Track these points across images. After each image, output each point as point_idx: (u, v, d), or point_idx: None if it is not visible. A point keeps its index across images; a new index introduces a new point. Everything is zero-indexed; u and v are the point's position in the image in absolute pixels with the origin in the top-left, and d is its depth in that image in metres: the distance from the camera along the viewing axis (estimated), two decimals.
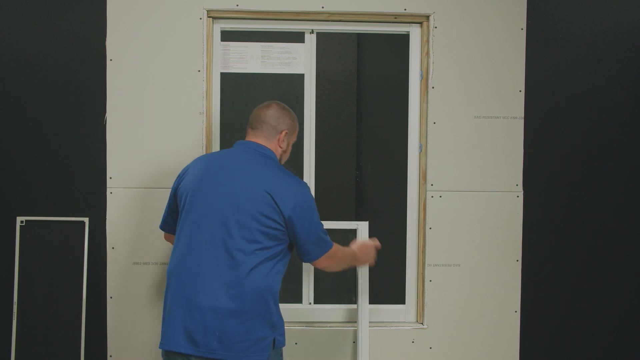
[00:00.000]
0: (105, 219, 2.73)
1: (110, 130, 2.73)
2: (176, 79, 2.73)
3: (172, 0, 2.72)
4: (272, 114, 2.27)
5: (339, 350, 2.79)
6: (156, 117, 2.73)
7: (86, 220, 2.75)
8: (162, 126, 2.73)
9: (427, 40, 2.81)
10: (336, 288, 2.91)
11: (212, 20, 2.78)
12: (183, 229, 2.16)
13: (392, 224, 2.90)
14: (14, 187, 2.76)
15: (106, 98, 2.73)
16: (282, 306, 2.80)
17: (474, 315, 2.83)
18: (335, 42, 2.84)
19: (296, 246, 2.19)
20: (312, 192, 2.61)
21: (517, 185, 2.84)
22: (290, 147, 2.33)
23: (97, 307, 2.76)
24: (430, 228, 2.81)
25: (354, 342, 2.79)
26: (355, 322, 2.83)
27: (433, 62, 2.79)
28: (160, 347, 2.12)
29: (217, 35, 2.81)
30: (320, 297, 2.88)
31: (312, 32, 2.85)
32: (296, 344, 2.75)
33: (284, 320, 2.74)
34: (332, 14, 2.78)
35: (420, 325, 2.84)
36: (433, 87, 2.80)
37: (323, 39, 2.86)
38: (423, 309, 2.83)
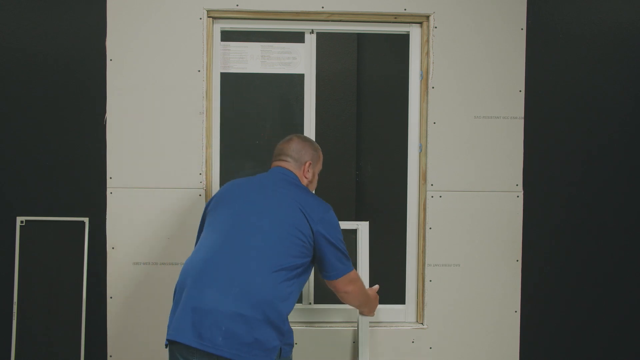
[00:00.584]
0: (105, 219, 2.73)
1: (110, 130, 2.73)
2: (176, 79, 2.73)
3: (172, 0, 2.72)
4: (294, 147, 2.38)
5: (339, 350, 2.79)
6: (156, 117, 2.73)
7: (86, 220, 2.75)
8: (162, 126, 2.73)
9: (427, 40, 2.81)
10: None
11: (212, 20, 2.78)
12: (208, 234, 2.21)
13: (392, 224, 2.90)
14: (14, 187, 2.76)
15: (106, 98, 2.73)
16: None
17: (474, 315, 2.83)
18: (335, 42, 2.85)
19: (321, 261, 2.25)
20: None
21: (517, 185, 2.84)
22: (316, 177, 2.45)
23: (97, 307, 2.76)
24: (430, 228, 2.81)
25: (354, 342, 2.79)
26: (355, 322, 2.83)
27: (433, 62, 2.79)
28: (167, 338, 2.11)
29: (217, 35, 2.81)
30: (320, 297, 2.88)
31: (312, 32, 2.85)
32: (296, 343, 2.75)
33: None
34: (332, 14, 2.78)
35: (420, 325, 2.84)
36: (433, 87, 2.80)
37: (323, 39, 2.85)
38: (423, 309, 2.83)
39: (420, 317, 2.86)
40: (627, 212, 2.94)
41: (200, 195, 2.73)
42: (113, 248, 2.73)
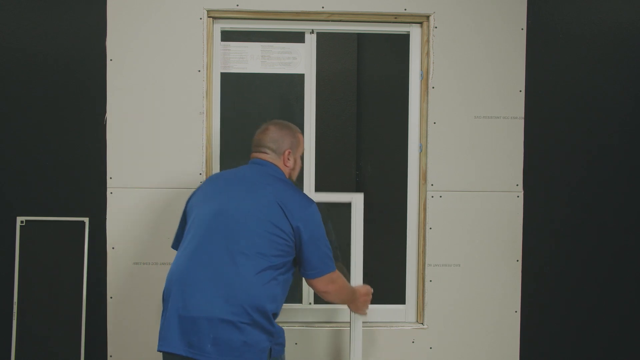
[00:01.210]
0: (105, 219, 2.73)
1: (110, 130, 2.73)
2: (176, 79, 2.73)
3: (172, 0, 2.72)
4: (271, 137, 2.31)
5: (339, 350, 2.79)
6: (156, 117, 2.73)
7: (86, 220, 2.75)
8: (162, 126, 2.73)
9: (427, 40, 2.81)
10: None
11: (212, 20, 2.78)
12: (189, 237, 2.18)
13: (392, 224, 2.90)
14: (14, 187, 2.76)
15: (106, 98, 2.72)
16: (282, 306, 2.81)
17: (474, 315, 2.83)
18: (335, 42, 2.85)
19: (301, 259, 2.20)
20: (313, 195, 2.61)
21: (517, 185, 2.84)
22: (299, 162, 2.38)
23: (97, 307, 2.76)
24: (430, 228, 2.81)
25: None
26: None
27: (433, 62, 2.79)
28: (158, 350, 2.11)
29: (217, 35, 2.81)
30: (320, 297, 2.87)
31: (312, 32, 2.85)
32: (296, 344, 2.75)
33: (285, 320, 2.75)
34: (332, 14, 2.78)
35: (420, 325, 2.84)
36: (433, 87, 2.80)
37: (323, 39, 2.86)
38: (423, 309, 2.83)
39: (420, 317, 2.86)
40: (627, 212, 2.94)
41: None
42: (113, 248, 2.73)
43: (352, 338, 2.54)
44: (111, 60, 2.72)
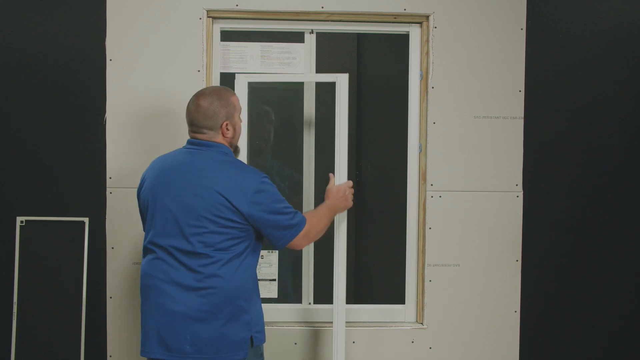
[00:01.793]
0: (105, 219, 2.73)
1: (110, 130, 2.73)
2: (176, 79, 2.73)
3: (172, 0, 2.72)
4: (205, 113, 2.16)
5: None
6: (156, 117, 2.73)
7: (86, 220, 2.75)
8: (162, 126, 2.73)
9: (427, 40, 2.80)
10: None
11: (212, 20, 2.78)
12: (149, 236, 2.16)
13: (392, 224, 2.90)
14: (14, 187, 2.76)
15: (106, 98, 2.73)
16: (282, 306, 2.82)
17: (474, 315, 2.83)
18: (335, 42, 2.85)
19: (266, 236, 2.17)
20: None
21: (517, 185, 2.84)
22: (238, 125, 2.24)
23: (97, 307, 2.76)
24: (430, 228, 2.81)
25: (353, 342, 2.79)
26: (355, 322, 2.83)
27: (433, 62, 2.79)
28: (140, 355, 2.14)
29: (217, 35, 2.81)
30: (320, 297, 2.88)
31: (312, 32, 2.85)
32: (296, 344, 2.75)
33: (285, 320, 2.75)
34: (332, 14, 2.78)
35: (420, 325, 2.84)
36: (433, 87, 2.80)
37: (323, 39, 2.85)
38: (423, 309, 2.83)
39: (420, 317, 2.86)
40: (627, 212, 2.94)
41: None
42: (113, 248, 2.73)
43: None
44: (111, 60, 2.72)
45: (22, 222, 2.74)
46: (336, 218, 2.47)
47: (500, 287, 2.84)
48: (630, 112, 2.93)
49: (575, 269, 2.93)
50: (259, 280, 2.32)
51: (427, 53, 2.80)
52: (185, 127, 2.72)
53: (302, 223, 2.19)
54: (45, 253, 2.75)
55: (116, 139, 2.72)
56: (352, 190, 2.47)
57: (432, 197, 2.81)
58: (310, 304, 2.89)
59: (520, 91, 2.82)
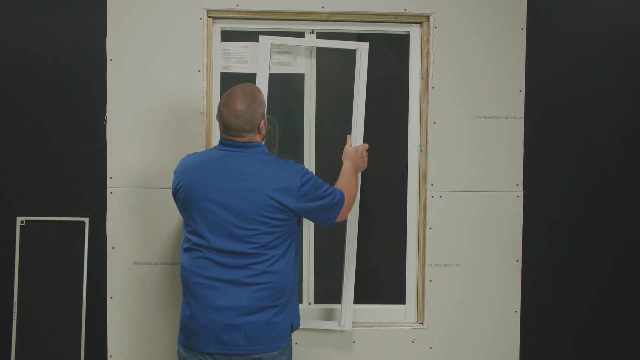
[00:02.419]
0: (105, 219, 2.73)
1: (110, 130, 2.73)
2: (176, 79, 2.73)
3: (172, 0, 2.72)
4: (244, 118, 2.18)
5: (339, 350, 2.79)
6: (156, 117, 2.73)
7: (86, 220, 2.75)
8: (162, 126, 2.73)
9: (427, 40, 2.81)
10: (336, 288, 2.91)
11: (212, 20, 2.78)
12: (192, 236, 2.19)
13: (392, 224, 2.90)
14: (14, 187, 2.76)
15: (106, 98, 2.72)
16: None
17: (474, 315, 2.83)
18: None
19: (314, 221, 2.30)
20: None
21: (517, 185, 2.84)
22: (265, 117, 2.29)
23: (97, 307, 2.76)
24: (430, 228, 2.81)
25: (354, 342, 2.79)
26: (356, 322, 2.83)
27: (433, 62, 2.79)
28: (184, 345, 2.17)
29: (217, 35, 2.81)
30: (320, 297, 2.88)
31: (312, 32, 2.85)
32: (296, 343, 2.75)
33: None
34: (332, 14, 2.78)
35: (420, 325, 2.84)
36: (433, 87, 2.80)
37: (323, 38, 2.85)
38: (423, 309, 2.83)
39: (420, 317, 2.86)
40: (627, 212, 2.94)
41: None
42: (113, 248, 2.73)
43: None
44: (111, 60, 2.72)
45: (22, 222, 2.74)
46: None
47: (500, 287, 2.84)
48: (630, 112, 2.93)
49: (575, 269, 2.93)
50: None
51: (428, 53, 2.80)
52: (185, 127, 2.73)
53: (342, 198, 2.30)
54: (45, 253, 2.74)
55: (116, 139, 2.72)
56: (367, 153, 2.62)
57: (432, 197, 2.81)
58: (310, 303, 2.89)
59: (520, 91, 2.83)
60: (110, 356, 2.74)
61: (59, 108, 2.77)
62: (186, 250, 2.21)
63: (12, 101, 2.76)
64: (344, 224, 2.70)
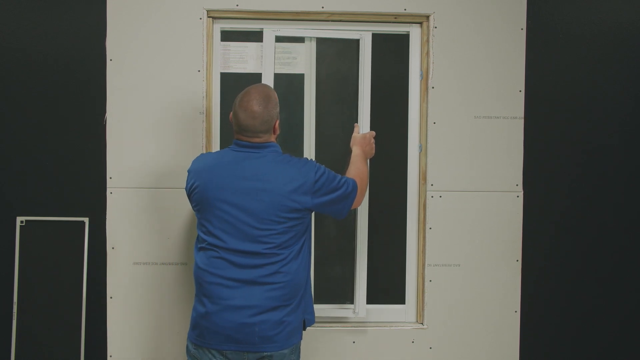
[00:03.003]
0: (105, 219, 2.73)
1: (110, 130, 2.73)
2: (176, 79, 2.73)
3: (172, 0, 2.72)
4: (262, 119, 2.20)
5: (339, 350, 2.79)
6: (156, 117, 2.73)
7: (86, 220, 2.75)
8: (162, 126, 2.73)
9: (427, 40, 2.81)
10: (336, 288, 2.91)
11: (212, 20, 2.78)
12: (208, 236, 2.20)
13: (392, 224, 2.90)
14: (14, 187, 2.76)
15: (106, 98, 2.73)
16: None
17: (474, 315, 2.83)
18: (335, 42, 2.85)
19: (329, 214, 2.33)
20: None
21: (517, 185, 2.84)
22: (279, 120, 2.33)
23: (97, 307, 2.76)
24: (430, 228, 2.81)
25: (353, 342, 2.79)
26: (356, 322, 2.83)
27: (433, 62, 2.79)
28: (195, 342, 2.19)
29: (217, 35, 2.81)
30: (320, 297, 2.87)
31: (311, 40, 2.84)
32: None
33: None
34: (332, 13, 2.78)
35: (420, 325, 2.84)
36: (433, 87, 2.80)
37: (323, 39, 2.85)
38: (423, 309, 2.83)
39: (420, 317, 2.86)
40: (627, 212, 2.94)
41: None
42: (113, 248, 2.73)
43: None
44: (111, 60, 2.72)
45: (22, 222, 2.74)
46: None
47: (500, 287, 2.84)
48: (630, 112, 2.93)
49: (575, 269, 2.93)
50: None
51: (428, 53, 2.80)
52: (185, 127, 2.73)
53: (355, 186, 2.33)
54: (45, 253, 2.74)
55: (116, 139, 2.72)
56: (374, 140, 2.65)
57: (432, 197, 2.81)
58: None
59: (520, 91, 2.82)
60: (110, 356, 2.74)
61: (59, 108, 2.77)
62: (201, 249, 2.23)
63: (12, 101, 2.76)
64: (353, 216, 2.76)
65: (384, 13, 2.79)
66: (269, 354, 2.15)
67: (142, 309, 2.74)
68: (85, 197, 2.77)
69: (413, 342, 2.81)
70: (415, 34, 2.85)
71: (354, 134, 2.67)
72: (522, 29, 2.82)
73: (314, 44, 2.85)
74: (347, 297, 2.90)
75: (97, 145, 2.75)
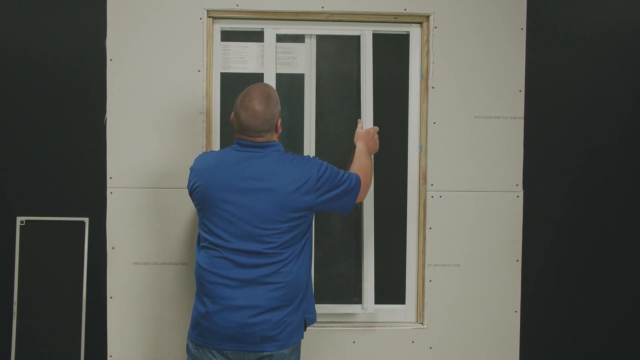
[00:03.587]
0: (105, 219, 2.73)
1: (110, 130, 2.73)
2: (176, 79, 2.73)
3: (172, 0, 2.72)
4: (263, 118, 2.20)
5: (339, 350, 2.79)
6: (156, 117, 2.73)
7: (86, 220, 2.75)
8: (162, 126, 2.73)
9: (427, 40, 2.81)
10: (336, 288, 2.91)
11: (212, 20, 2.78)
12: (210, 235, 2.20)
13: (392, 224, 2.90)
14: (14, 187, 2.76)
15: (106, 98, 2.73)
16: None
17: (474, 315, 2.83)
18: (335, 42, 2.85)
19: (334, 210, 2.32)
20: None
21: (517, 185, 2.84)
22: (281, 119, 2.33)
23: (97, 307, 2.76)
24: (430, 228, 2.81)
25: (353, 342, 2.79)
26: (356, 322, 2.83)
27: (433, 62, 2.79)
28: (195, 341, 2.19)
29: (217, 35, 2.81)
30: (320, 297, 2.87)
31: (311, 37, 2.84)
32: None
33: None
34: (332, 13, 2.78)
35: (420, 325, 2.84)
36: (433, 87, 2.80)
37: (323, 38, 2.86)
38: (423, 309, 2.83)
39: (420, 317, 2.86)
40: (626, 212, 2.94)
41: None
42: (113, 248, 2.73)
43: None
44: (111, 60, 2.72)
45: (22, 222, 2.74)
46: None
47: (500, 287, 2.84)
48: (630, 112, 2.93)
49: (575, 269, 2.93)
50: None
51: (428, 53, 2.80)
52: (185, 127, 2.73)
53: (358, 181, 2.33)
54: (45, 253, 2.75)
55: (116, 139, 2.72)
56: (377, 136, 2.67)
57: (432, 197, 2.81)
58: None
59: (520, 91, 2.83)
60: (110, 356, 2.74)
61: (59, 108, 2.77)
62: (202, 248, 2.23)
63: (12, 101, 2.76)
64: (358, 213, 2.78)
65: (384, 13, 2.79)
66: (269, 353, 2.15)
67: (142, 309, 2.74)
68: (85, 197, 2.77)
69: (413, 342, 2.82)
70: (415, 34, 2.85)
71: (358, 130, 2.68)
72: (522, 29, 2.82)
73: (314, 43, 2.85)
74: (350, 295, 2.90)
75: (97, 145, 2.75)
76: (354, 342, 2.79)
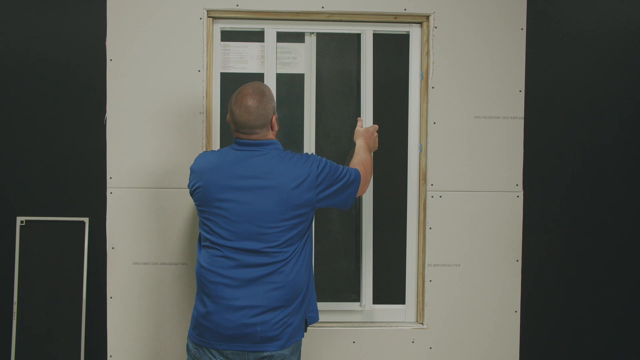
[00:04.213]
0: (105, 219, 2.73)
1: (110, 130, 2.73)
2: (176, 78, 2.73)
3: (172, 0, 2.72)
4: (257, 114, 2.21)
5: (339, 350, 2.79)
6: (156, 117, 2.73)
7: (86, 220, 2.75)
8: (162, 126, 2.73)
9: (427, 40, 2.81)
10: (336, 288, 2.91)
11: (212, 20, 2.78)
12: (211, 235, 2.20)
13: (392, 224, 2.90)
14: (14, 187, 2.76)
15: (106, 98, 2.73)
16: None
17: (474, 315, 2.83)
18: (335, 42, 2.85)
19: (334, 206, 2.32)
20: None
21: (517, 185, 2.84)
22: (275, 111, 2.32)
23: (97, 307, 2.76)
24: (430, 228, 2.81)
25: (353, 342, 2.79)
26: (356, 322, 2.83)
27: (433, 62, 2.79)
28: (195, 341, 2.19)
29: (217, 35, 2.81)
30: (320, 297, 2.87)
31: (311, 34, 2.84)
32: None
33: None
34: (332, 13, 2.78)
35: (420, 325, 2.84)
36: (433, 87, 2.80)
37: (323, 38, 2.86)
38: (423, 309, 2.83)
39: (420, 317, 2.86)
40: (626, 212, 2.94)
41: None
42: (113, 248, 2.73)
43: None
44: (111, 60, 2.72)
45: (22, 222, 2.74)
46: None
47: (500, 287, 2.84)
48: (630, 112, 2.93)
49: (575, 269, 2.93)
50: None
51: (428, 53, 2.80)
52: (185, 127, 2.73)
53: (357, 175, 2.35)
54: (45, 253, 2.75)
55: (116, 139, 2.72)
56: (377, 134, 2.70)
57: (432, 197, 2.81)
58: None
59: (520, 91, 2.83)
60: (110, 356, 2.74)
61: (59, 108, 2.77)
62: (203, 247, 2.23)
63: (12, 101, 2.76)
64: (356, 211, 2.80)
65: (384, 13, 2.79)
66: (269, 353, 2.15)
67: (142, 309, 2.74)
68: (85, 197, 2.77)
69: (413, 342, 2.82)
70: (415, 34, 2.85)
71: (357, 128, 2.70)
72: (522, 29, 2.82)
73: (314, 42, 2.85)
74: (349, 293, 2.90)
75: (97, 145, 2.75)
76: (353, 342, 2.79)
